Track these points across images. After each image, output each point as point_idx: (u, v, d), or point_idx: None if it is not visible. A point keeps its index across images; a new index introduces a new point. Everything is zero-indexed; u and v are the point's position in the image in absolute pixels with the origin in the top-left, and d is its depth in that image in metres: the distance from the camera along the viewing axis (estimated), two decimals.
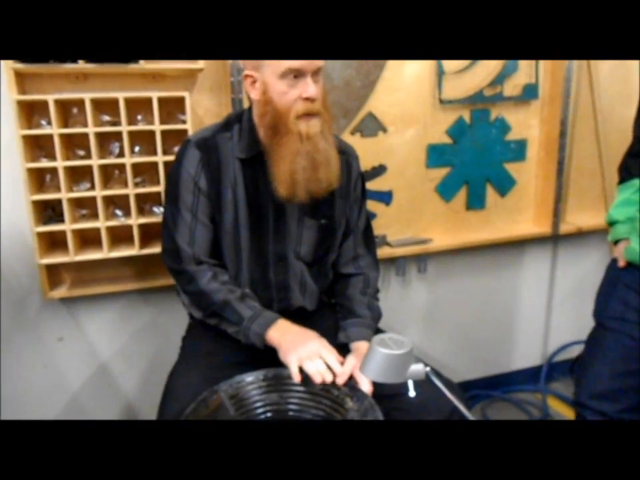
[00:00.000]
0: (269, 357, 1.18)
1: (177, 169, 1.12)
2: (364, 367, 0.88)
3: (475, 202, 1.92)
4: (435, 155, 1.82)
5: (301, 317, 1.23)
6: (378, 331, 1.21)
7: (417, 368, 0.86)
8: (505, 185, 1.94)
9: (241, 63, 1.10)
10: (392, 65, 1.69)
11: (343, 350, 1.13)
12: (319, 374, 0.97)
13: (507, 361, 2.19)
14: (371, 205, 1.75)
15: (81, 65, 1.32)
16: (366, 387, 0.98)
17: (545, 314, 2.19)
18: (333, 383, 0.99)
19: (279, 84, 1.02)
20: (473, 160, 1.86)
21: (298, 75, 1.01)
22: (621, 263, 1.32)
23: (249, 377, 1.03)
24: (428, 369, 0.87)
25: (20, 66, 1.29)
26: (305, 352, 1.00)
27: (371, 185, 1.74)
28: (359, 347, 1.11)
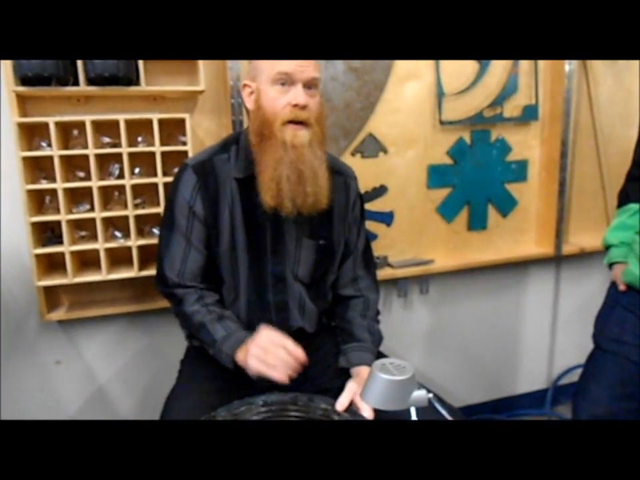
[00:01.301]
0: (270, 381, 1.16)
1: (173, 194, 1.13)
2: (364, 393, 0.86)
3: (477, 222, 1.91)
4: (436, 176, 1.81)
5: (300, 339, 1.20)
6: (379, 354, 1.19)
7: (420, 394, 0.83)
8: (506, 206, 1.93)
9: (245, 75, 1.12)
10: (392, 86, 1.70)
11: (343, 375, 1.11)
12: (285, 364, 0.95)
13: (511, 384, 2.15)
14: (372, 226, 1.74)
15: (83, 87, 1.32)
16: (367, 413, 0.96)
17: (549, 336, 2.16)
18: (333, 409, 0.96)
19: (270, 90, 1.04)
20: (474, 180, 1.86)
21: (288, 81, 1.02)
22: (621, 287, 1.33)
23: (248, 403, 1.01)
24: (431, 395, 0.85)
25: (22, 89, 1.30)
26: (258, 349, 0.97)
27: (371, 206, 1.74)
28: (360, 371, 1.09)
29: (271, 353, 0.96)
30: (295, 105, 1.03)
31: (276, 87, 1.03)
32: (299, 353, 0.96)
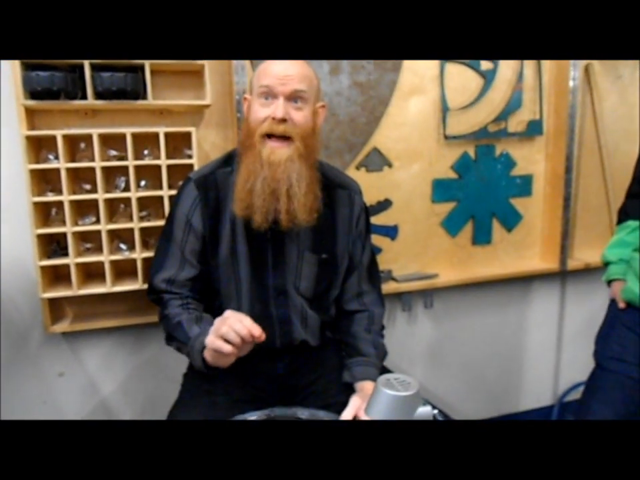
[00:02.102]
0: (271, 396, 1.16)
1: (174, 206, 1.15)
2: (369, 408, 0.85)
3: (481, 237, 1.90)
4: (441, 190, 1.82)
5: (304, 353, 1.20)
6: (383, 369, 1.18)
7: (425, 410, 0.83)
8: (511, 220, 1.93)
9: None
10: (397, 101, 1.71)
11: (347, 389, 1.10)
12: (236, 332, 0.89)
13: (516, 400, 2.13)
14: (377, 240, 1.74)
15: (90, 101, 1.34)
16: None
17: (555, 352, 2.14)
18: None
19: (256, 103, 1.06)
20: (479, 195, 1.86)
21: (271, 94, 1.03)
22: (621, 305, 1.33)
23: (251, 417, 1.00)
24: (435, 411, 0.84)
25: (31, 102, 1.31)
26: (216, 324, 0.94)
27: (376, 220, 1.74)
28: (364, 386, 1.08)
29: (225, 324, 0.91)
30: (273, 118, 1.03)
31: (260, 99, 1.05)
32: (255, 327, 0.90)
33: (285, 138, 1.04)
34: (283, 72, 1.03)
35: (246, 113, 1.11)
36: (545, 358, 2.14)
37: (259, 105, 1.05)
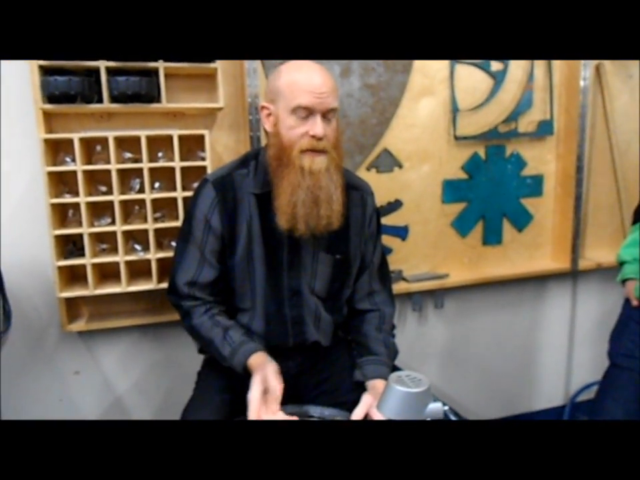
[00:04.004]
0: (283, 395, 1.17)
1: (192, 207, 1.16)
2: (381, 404, 0.87)
3: (492, 237, 1.91)
4: (451, 190, 1.82)
5: (316, 353, 1.22)
6: (394, 368, 1.19)
7: (436, 407, 0.84)
8: (521, 220, 1.93)
9: (264, 95, 1.14)
10: (407, 102, 1.73)
11: (359, 388, 1.12)
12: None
13: (527, 400, 2.13)
14: (387, 240, 1.75)
15: (106, 104, 1.37)
16: None
17: (566, 352, 2.14)
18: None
19: (289, 119, 1.05)
20: (489, 195, 1.86)
21: (308, 112, 1.04)
22: (634, 303, 1.33)
23: None
24: (446, 407, 0.86)
25: (49, 106, 1.34)
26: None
27: (386, 220, 1.75)
28: (375, 385, 1.10)
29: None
30: (313, 136, 1.05)
31: (294, 116, 1.05)
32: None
33: (320, 151, 1.07)
34: (319, 89, 1.04)
35: (272, 124, 1.10)
36: (556, 358, 2.13)
37: (294, 121, 1.05)
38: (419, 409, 0.84)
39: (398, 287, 1.75)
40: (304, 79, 1.04)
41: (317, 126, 1.04)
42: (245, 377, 1.07)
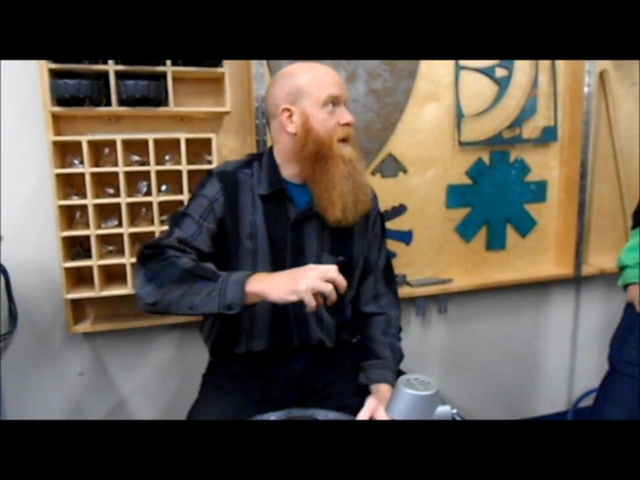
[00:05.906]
0: (288, 397, 1.17)
1: (198, 190, 1.14)
2: (390, 407, 0.87)
3: (495, 242, 1.91)
4: (455, 196, 1.83)
5: (321, 354, 1.22)
6: (399, 372, 1.20)
7: (444, 409, 0.84)
8: (525, 226, 1.94)
9: (275, 100, 1.14)
10: (412, 108, 1.74)
11: (363, 392, 1.12)
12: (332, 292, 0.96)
13: (530, 406, 2.13)
14: (391, 245, 1.76)
15: (114, 107, 1.38)
16: None
17: (569, 357, 2.14)
18: None
19: (320, 112, 1.09)
20: (493, 200, 1.87)
21: (336, 102, 1.10)
22: (639, 309, 1.32)
23: (270, 417, 1.02)
24: (455, 411, 0.86)
25: (58, 109, 1.35)
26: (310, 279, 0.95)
27: (391, 225, 1.76)
28: (380, 389, 1.10)
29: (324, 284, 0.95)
30: (345, 124, 1.10)
31: (326, 108, 1.09)
32: (341, 280, 0.96)
33: (345, 140, 1.13)
34: (338, 80, 1.11)
35: (299, 124, 1.10)
36: (559, 363, 2.14)
37: (326, 114, 1.09)
38: (428, 412, 0.84)
39: (402, 292, 1.75)
40: (324, 74, 1.11)
41: (346, 114, 1.11)
42: (238, 303, 0.96)
